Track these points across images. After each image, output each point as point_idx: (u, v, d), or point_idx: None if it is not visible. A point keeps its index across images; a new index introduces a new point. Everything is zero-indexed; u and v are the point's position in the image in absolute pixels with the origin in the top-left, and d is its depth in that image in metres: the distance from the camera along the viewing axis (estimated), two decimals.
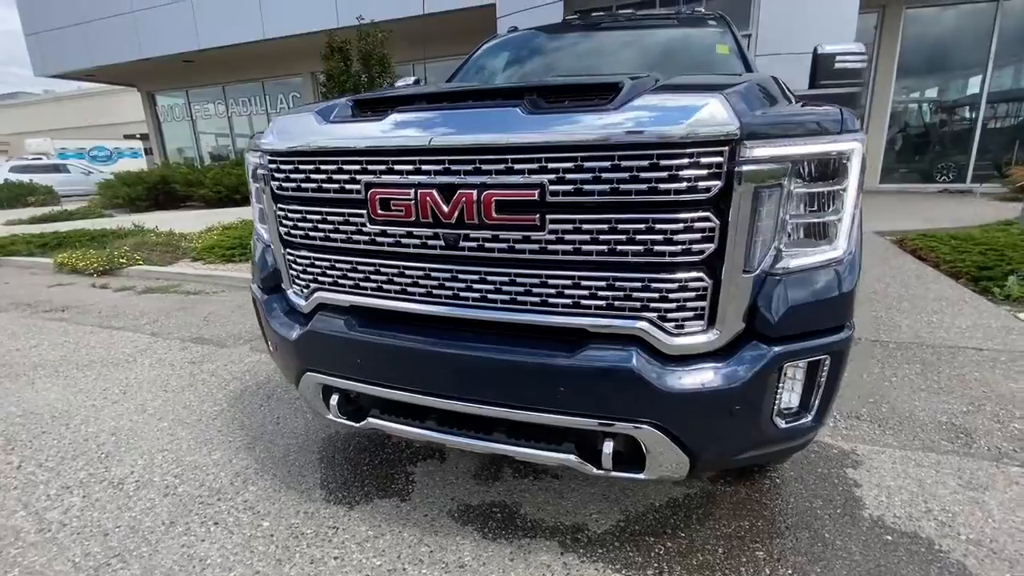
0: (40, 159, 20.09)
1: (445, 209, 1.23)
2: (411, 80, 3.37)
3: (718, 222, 1.11)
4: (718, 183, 1.09)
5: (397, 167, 1.27)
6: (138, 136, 26.39)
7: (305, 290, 1.56)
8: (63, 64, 15.55)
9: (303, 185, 1.42)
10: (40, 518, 1.82)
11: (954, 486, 1.83)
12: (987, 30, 9.89)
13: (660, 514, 1.75)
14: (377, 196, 1.30)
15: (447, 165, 1.22)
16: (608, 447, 1.27)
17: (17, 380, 3.03)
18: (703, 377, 1.18)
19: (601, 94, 1.17)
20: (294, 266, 1.56)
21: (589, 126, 1.10)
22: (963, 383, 2.58)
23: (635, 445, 1.27)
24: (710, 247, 1.13)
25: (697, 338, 1.20)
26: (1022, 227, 5.63)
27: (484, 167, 1.19)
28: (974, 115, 10.38)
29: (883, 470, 1.94)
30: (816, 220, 1.21)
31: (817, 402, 1.30)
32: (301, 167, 1.41)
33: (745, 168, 1.08)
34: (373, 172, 1.30)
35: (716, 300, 1.17)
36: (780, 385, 1.24)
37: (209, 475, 2.04)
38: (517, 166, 1.17)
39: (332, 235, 1.43)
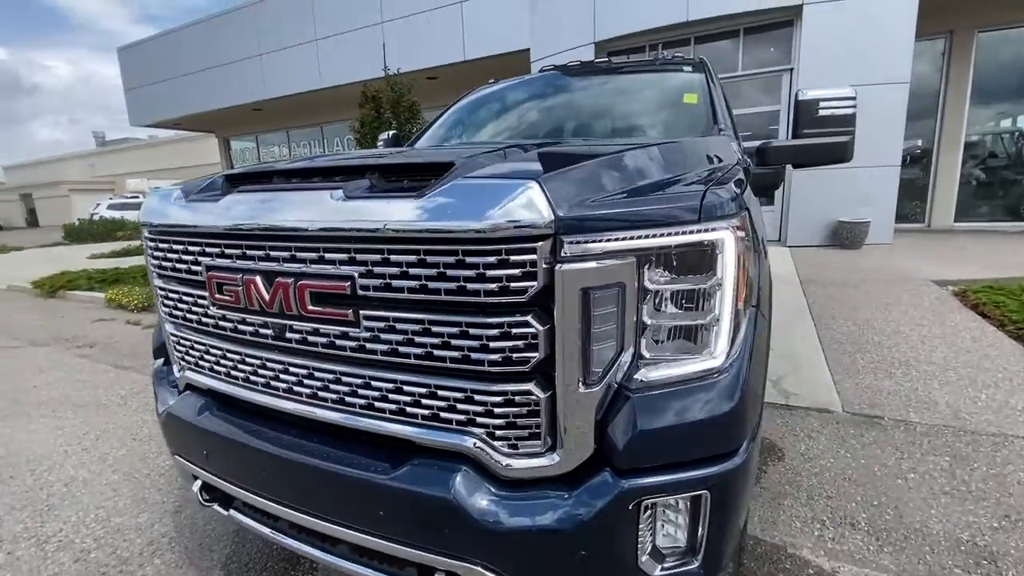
0: (136, 197, 22.49)
1: (266, 297, 1.13)
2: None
3: (542, 327, 0.92)
4: (534, 284, 0.91)
5: (227, 251, 1.19)
6: None
7: (177, 366, 1.49)
8: (154, 115, 17.49)
9: (164, 262, 1.38)
10: None
11: None
12: None
13: None
14: (214, 279, 1.22)
15: (267, 251, 1.12)
16: None
17: (18, 419, 3.20)
18: (535, 512, 0.97)
19: (430, 175, 1.04)
20: (170, 339, 1.50)
21: (394, 215, 0.96)
22: (1001, 486, 2.10)
23: None
24: (535, 356, 0.94)
25: (536, 461, 0.99)
26: None
27: (299, 255, 1.08)
28: None
29: None
30: (682, 324, 0.99)
31: (704, 546, 1.04)
32: (161, 244, 1.37)
33: (567, 267, 0.90)
34: (210, 255, 1.22)
35: (555, 417, 0.97)
36: (644, 524, 1.00)
37: (125, 541, 2.00)
38: (328, 255, 1.04)
39: (188, 315, 1.37)
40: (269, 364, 1.22)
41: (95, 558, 1.91)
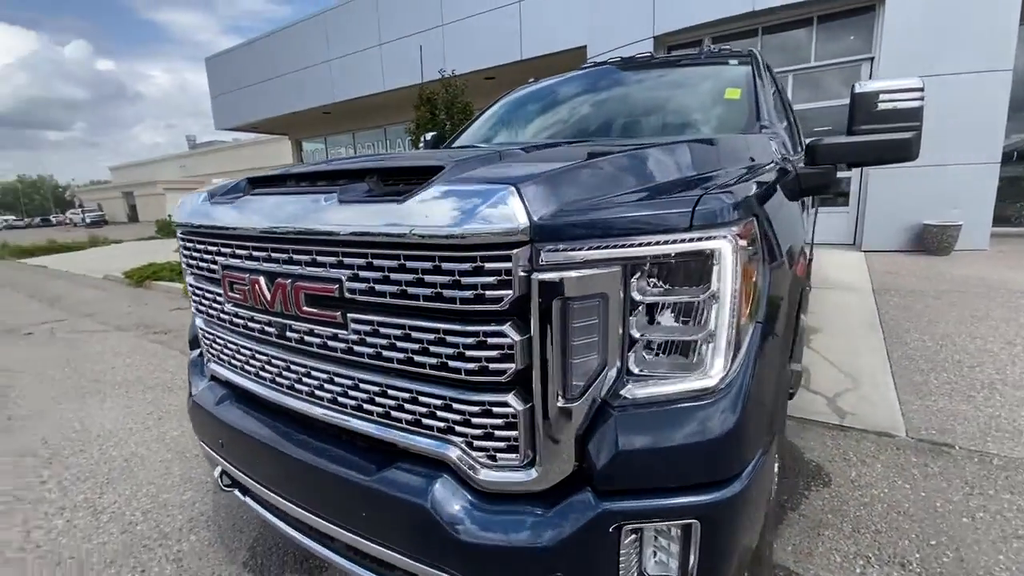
0: None
1: (268, 296, 1.16)
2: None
3: (518, 338, 0.89)
4: (509, 292, 0.87)
5: (238, 251, 1.24)
6: None
7: (206, 357, 1.58)
8: (235, 119, 18.85)
9: (191, 260, 1.46)
10: (26, 536, 2.05)
11: None
12: None
13: None
14: (227, 278, 1.28)
15: (269, 252, 1.15)
16: None
17: (96, 397, 3.55)
18: (511, 528, 0.94)
19: (419, 179, 1.03)
20: (200, 332, 1.60)
21: (376, 220, 0.96)
22: None
23: None
24: (511, 367, 0.91)
25: (514, 475, 0.96)
26: None
27: (295, 256, 1.10)
28: None
29: None
30: (673, 339, 0.92)
31: None
32: (188, 243, 1.45)
33: (543, 276, 0.86)
34: (224, 254, 1.28)
35: (535, 431, 0.93)
36: (627, 549, 0.94)
37: (169, 516, 2.15)
38: (319, 258, 1.06)
39: (211, 310, 1.44)
40: (273, 361, 1.26)
41: (140, 530, 2.07)
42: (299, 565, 1.83)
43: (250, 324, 1.28)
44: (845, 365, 3.43)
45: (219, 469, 1.54)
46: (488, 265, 0.87)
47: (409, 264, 0.94)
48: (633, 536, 0.94)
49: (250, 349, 1.33)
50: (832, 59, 7.53)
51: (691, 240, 0.86)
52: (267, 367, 1.29)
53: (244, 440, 1.32)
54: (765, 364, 0.99)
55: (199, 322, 1.57)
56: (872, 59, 7.14)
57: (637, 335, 0.92)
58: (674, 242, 0.86)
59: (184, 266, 1.57)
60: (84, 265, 11.23)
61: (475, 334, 0.91)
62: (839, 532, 1.90)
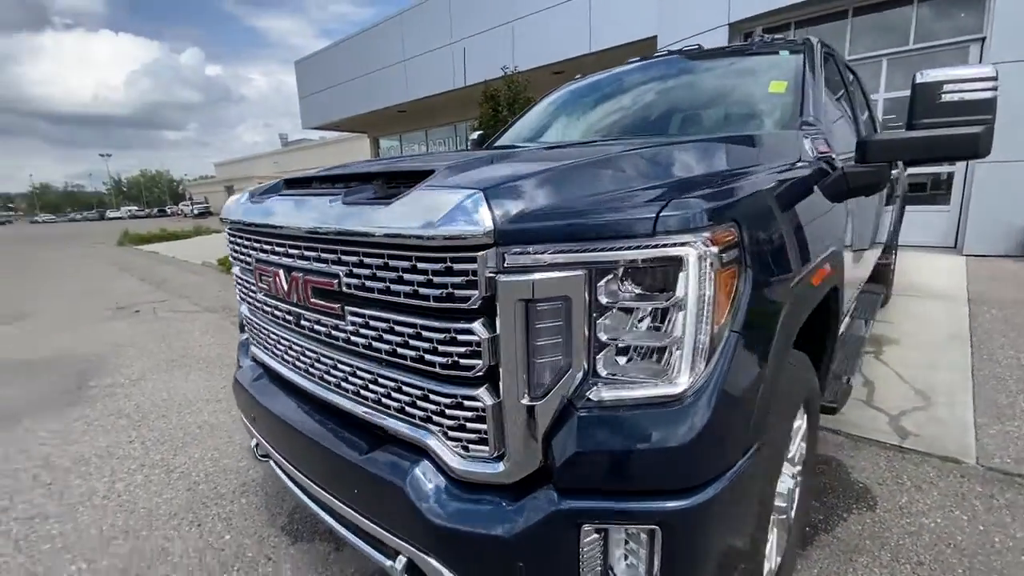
0: None
1: (286, 288, 1.29)
2: None
3: (486, 336, 0.93)
4: (475, 292, 0.92)
5: (265, 246, 1.38)
6: None
7: (249, 340, 1.76)
8: (319, 118, 20.15)
9: (234, 253, 1.63)
10: (111, 487, 2.39)
11: None
12: None
13: None
14: (259, 270, 1.42)
15: (287, 248, 1.28)
16: (400, 562, 1.14)
17: (182, 370, 4.00)
18: (478, 516, 0.99)
19: (409, 183, 1.09)
20: (244, 317, 1.78)
21: (365, 221, 1.04)
22: None
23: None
24: (479, 363, 0.95)
25: (484, 467, 1.01)
26: None
27: (306, 253, 1.21)
28: None
29: None
30: (640, 344, 0.92)
31: None
32: (232, 237, 1.62)
33: (507, 278, 0.89)
34: (256, 248, 1.43)
35: (504, 426, 0.98)
36: (589, 548, 0.96)
37: (226, 479, 2.41)
38: (324, 255, 1.16)
39: (248, 297, 1.61)
40: (293, 346, 1.39)
41: (201, 490, 2.34)
42: (329, 534, 1.99)
43: (275, 312, 1.42)
44: (918, 381, 3.12)
45: (254, 441, 1.71)
46: (456, 266, 0.92)
47: (391, 263, 1.01)
48: (596, 536, 0.95)
49: (276, 334, 1.47)
50: (935, 41, 6.76)
51: (654, 247, 0.86)
52: (288, 351, 1.43)
53: (269, 416, 1.47)
54: (744, 375, 0.96)
55: (243, 308, 1.75)
56: (983, 39, 6.33)
57: (604, 338, 0.93)
58: (637, 248, 0.87)
59: (231, 258, 1.75)
60: (188, 252, 12.56)
61: (447, 331, 0.96)
62: (874, 560, 1.76)
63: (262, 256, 1.39)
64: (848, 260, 1.90)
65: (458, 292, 0.93)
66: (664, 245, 0.86)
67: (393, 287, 1.02)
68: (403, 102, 16.58)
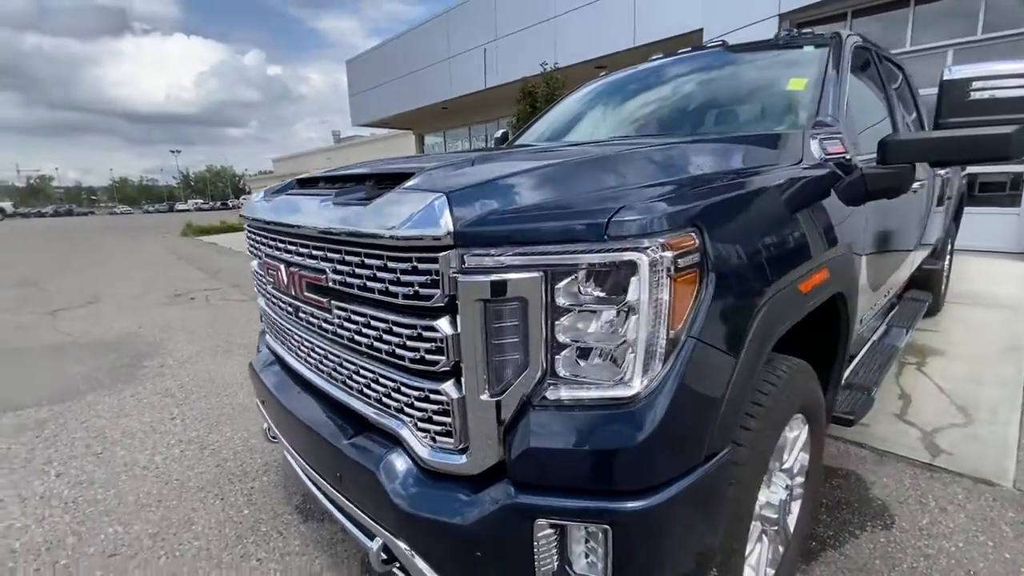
0: None
1: (285, 282, 1.38)
2: None
3: (448, 333, 0.97)
4: (437, 291, 0.96)
5: (271, 242, 1.47)
6: None
7: (264, 330, 1.88)
8: (368, 116, 20.78)
9: (250, 247, 1.75)
10: (151, 459, 2.61)
11: None
12: None
13: None
14: (267, 264, 1.53)
15: (287, 244, 1.36)
16: (377, 543, 1.20)
17: (227, 355, 4.28)
18: (441, 505, 1.03)
19: (394, 184, 1.15)
20: (260, 308, 1.90)
21: (345, 221, 1.10)
22: None
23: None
24: (442, 359, 0.99)
25: (449, 458, 1.05)
26: None
27: (301, 250, 1.29)
28: None
29: None
30: (596, 346, 0.94)
31: None
32: (249, 233, 1.74)
33: (466, 279, 0.93)
34: (265, 244, 1.53)
35: (467, 420, 1.02)
36: (543, 542, 0.98)
37: (251, 458, 2.58)
38: (314, 252, 1.24)
39: (262, 290, 1.72)
40: (295, 336, 1.49)
41: (229, 466, 2.51)
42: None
43: (280, 304, 1.52)
44: (959, 396, 2.92)
45: (265, 423, 1.83)
46: (421, 266, 0.97)
47: (367, 261, 1.07)
48: (551, 531, 0.98)
49: (281, 325, 1.57)
50: (1006, 31, 6.22)
51: (605, 251, 0.88)
52: (291, 341, 1.52)
53: (275, 401, 1.57)
54: (705, 380, 0.96)
55: (260, 300, 1.87)
56: None
57: (562, 339, 0.95)
58: (588, 252, 0.88)
59: (248, 253, 1.87)
60: (244, 244, 13.28)
61: (414, 327, 1.01)
62: None
63: (269, 251, 1.49)
64: (866, 265, 1.81)
65: (423, 291, 0.98)
66: (615, 250, 0.88)
67: (369, 284, 1.08)
68: (447, 99, 16.85)
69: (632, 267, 0.88)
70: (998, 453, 2.36)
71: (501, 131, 3.37)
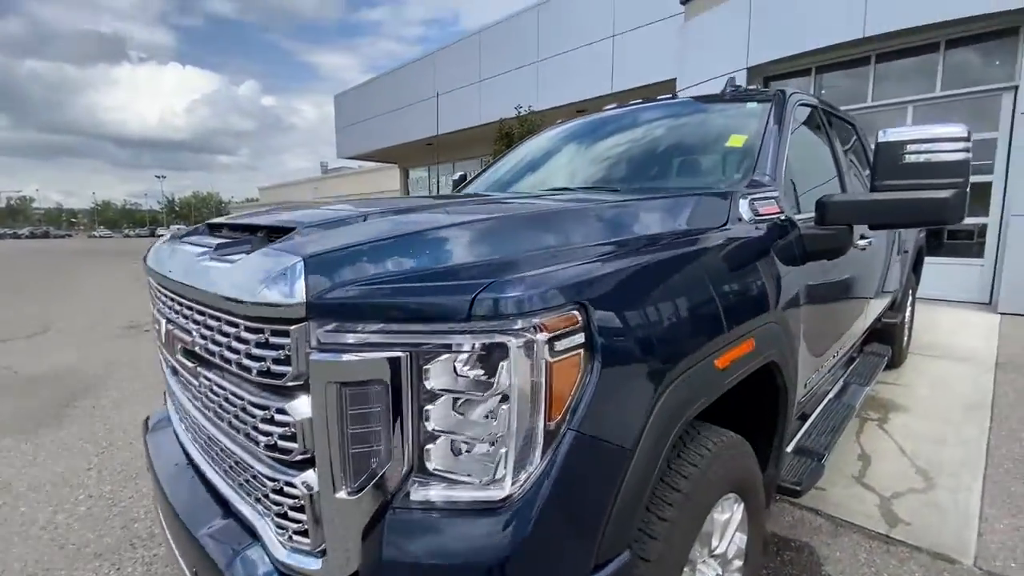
0: None
1: (164, 339, 1.24)
2: None
3: (303, 417, 0.84)
4: (290, 368, 0.83)
5: (155, 293, 1.34)
6: None
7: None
8: (354, 149, 20.98)
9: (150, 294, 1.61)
10: (52, 517, 2.36)
11: None
12: None
13: None
14: (153, 317, 1.39)
15: (164, 298, 1.23)
16: None
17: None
18: None
19: (273, 238, 1.03)
20: None
21: (210, 279, 0.98)
22: None
23: None
24: (295, 446, 0.86)
25: (306, 561, 0.90)
26: None
27: (173, 306, 1.16)
28: None
29: None
30: (464, 440, 0.81)
31: None
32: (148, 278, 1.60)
33: (318, 357, 0.81)
34: (152, 294, 1.40)
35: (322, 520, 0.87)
36: None
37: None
38: (185, 311, 1.11)
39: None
40: (174, 397, 1.34)
41: (136, 528, 2.27)
42: None
43: (163, 362, 1.37)
44: (921, 457, 2.83)
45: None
46: (273, 339, 0.85)
47: (225, 328, 0.94)
48: None
49: (167, 383, 1.42)
50: (962, 88, 6.50)
51: (471, 332, 0.77)
52: (175, 402, 1.37)
53: (151, 466, 1.40)
54: (591, 477, 0.83)
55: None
56: (1015, 88, 6.05)
57: (430, 429, 0.83)
58: (453, 332, 0.77)
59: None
60: None
61: (267, 408, 0.88)
62: None
63: (154, 303, 1.36)
64: (808, 328, 1.73)
65: (275, 367, 0.85)
66: (483, 332, 0.77)
67: (226, 353, 0.95)
68: (431, 136, 17.09)
69: (502, 350, 0.77)
70: (959, 524, 2.25)
71: (459, 174, 3.32)
